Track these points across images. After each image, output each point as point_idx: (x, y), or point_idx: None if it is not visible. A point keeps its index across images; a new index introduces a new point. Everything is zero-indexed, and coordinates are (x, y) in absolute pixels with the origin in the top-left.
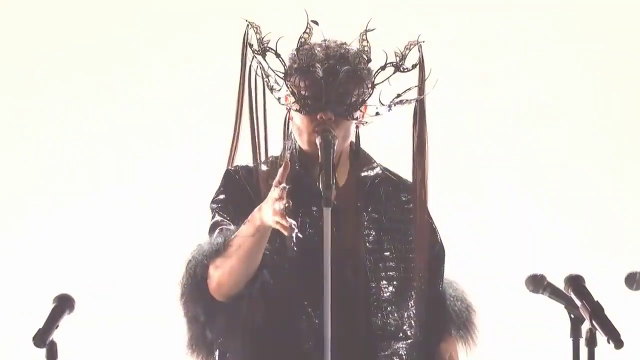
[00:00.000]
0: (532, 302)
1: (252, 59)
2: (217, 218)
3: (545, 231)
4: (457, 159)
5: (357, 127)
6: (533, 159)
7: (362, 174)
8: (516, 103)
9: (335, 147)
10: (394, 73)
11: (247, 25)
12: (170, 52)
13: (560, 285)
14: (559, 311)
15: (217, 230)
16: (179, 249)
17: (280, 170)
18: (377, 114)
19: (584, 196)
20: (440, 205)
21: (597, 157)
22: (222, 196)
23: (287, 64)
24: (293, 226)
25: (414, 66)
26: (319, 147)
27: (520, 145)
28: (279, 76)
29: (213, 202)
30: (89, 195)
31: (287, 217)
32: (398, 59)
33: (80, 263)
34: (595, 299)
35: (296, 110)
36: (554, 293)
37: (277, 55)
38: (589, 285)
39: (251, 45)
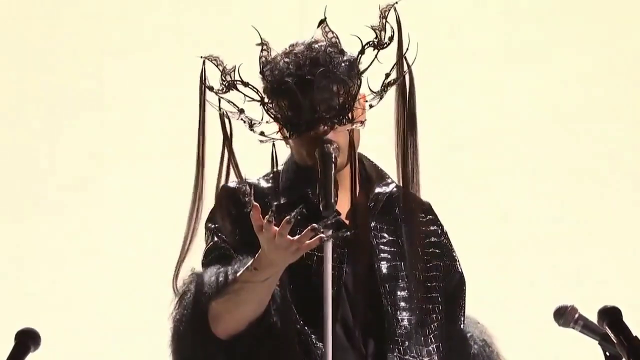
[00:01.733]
0: (561, 337)
1: (219, 102)
2: (215, 240)
3: (577, 257)
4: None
5: (351, 132)
6: (565, 184)
7: (376, 191)
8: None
9: (337, 161)
10: (376, 55)
11: (203, 62)
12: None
13: (594, 318)
14: (593, 348)
15: (214, 259)
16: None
17: (258, 218)
18: (371, 106)
19: (618, 219)
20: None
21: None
22: (218, 214)
23: (262, 86)
24: (315, 235)
25: (391, 37)
26: (318, 161)
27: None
28: (256, 100)
29: (208, 220)
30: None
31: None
32: (376, 34)
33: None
34: (634, 335)
35: (286, 137)
36: (587, 327)
37: (245, 84)
38: (627, 318)
39: (211, 88)
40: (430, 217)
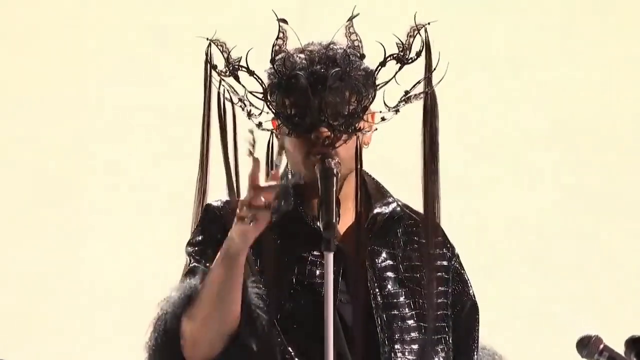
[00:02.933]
0: None
1: (220, 83)
2: (193, 264)
3: (600, 280)
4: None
5: (359, 147)
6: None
7: (375, 211)
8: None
9: (338, 176)
10: (399, 69)
11: (209, 44)
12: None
13: (621, 349)
14: None
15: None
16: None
17: (252, 168)
18: (383, 119)
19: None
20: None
21: None
22: (199, 237)
23: (266, 81)
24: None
25: (418, 53)
26: (318, 176)
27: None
28: (257, 97)
29: (189, 244)
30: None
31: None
32: (400, 49)
33: None
34: None
35: (285, 134)
36: (613, 359)
37: (251, 73)
38: None
39: (215, 67)
40: (439, 238)
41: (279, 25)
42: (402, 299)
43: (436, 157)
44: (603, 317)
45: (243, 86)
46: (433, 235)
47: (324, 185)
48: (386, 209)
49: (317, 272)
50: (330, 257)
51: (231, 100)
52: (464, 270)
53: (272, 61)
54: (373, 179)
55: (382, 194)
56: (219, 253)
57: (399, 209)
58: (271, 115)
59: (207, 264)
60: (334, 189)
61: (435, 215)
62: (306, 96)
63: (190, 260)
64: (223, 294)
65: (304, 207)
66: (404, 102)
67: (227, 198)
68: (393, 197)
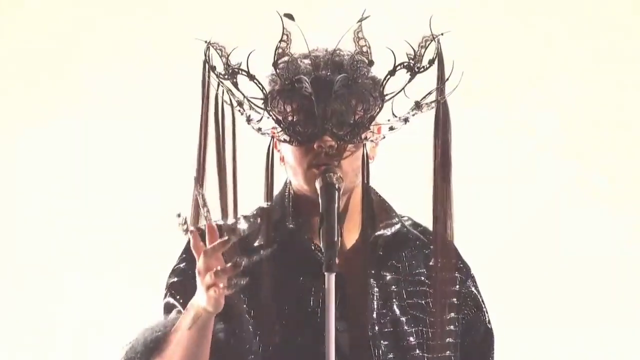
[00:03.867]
0: None
1: (218, 86)
2: (168, 300)
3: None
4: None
5: (365, 159)
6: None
7: (377, 233)
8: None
9: (341, 192)
10: (410, 80)
11: (207, 46)
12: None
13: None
14: None
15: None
16: None
17: (208, 237)
18: (391, 128)
19: None
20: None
21: None
22: (182, 264)
23: (267, 87)
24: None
25: (431, 62)
26: (319, 192)
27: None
28: (256, 105)
29: (172, 271)
30: None
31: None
32: (411, 59)
33: None
34: None
35: (285, 141)
36: None
37: (251, 77)
38: None
39: (214, 68)
40: (452, 261)
41: (283, 27)
42: (405, 327)
43: (448, 173)
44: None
45: (241, 92)
46: (443, 258)
47: (325, 201)
48: (389, 231)
49: (312, 299)
50: (331, 278)
51: (230, 104)
52: (479, 293)
53: (275, 64)
54: (379, 195)
55: (386, 213)
56: (185, 315)
57: (405, 230)
58: (272, 123)
59: (182, 301)
60: (336, 205)
61: (446, 236)
62: (310, 102)
63: (166, 293)
64: (192, 352)
65: (303, 225)
66: (414, 111)
67: (221, 218)
68: (399, 217)
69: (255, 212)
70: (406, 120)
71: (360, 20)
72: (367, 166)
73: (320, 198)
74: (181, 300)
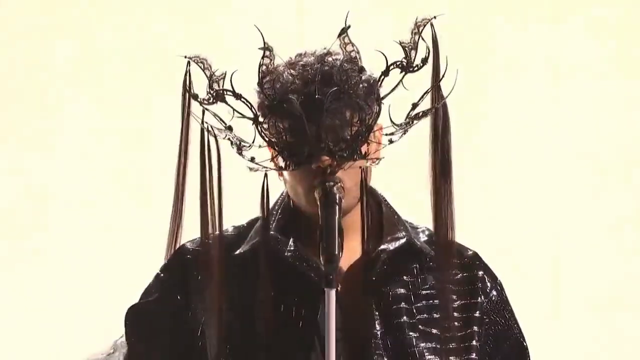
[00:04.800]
0: None
1: (203, 113)
2: (123, 339)
3: None
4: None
5: (365, 170)
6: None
7: (381, 247)
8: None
9: (341, 203)
10: (403, 77)
11: (188, 62)
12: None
13: None
14: None
15: None
16: None
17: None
18: (391, 141)
19: None
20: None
21: None
22: (150, 298)
23: (256, 100)
24: None
25: (424, 60)
26: (318, 202)
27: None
28: (250, 119)
29: (135, 309)
30: None
31: None
32: (408, 51)
33: None
34: None
35: (281, 168)
36: None
37: (238, 97)
38: None
39: (196, 96)
40: (467, 273)
41: (264, 41)
42: (419, 345)
43: (449, 178)
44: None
45: (234, 109)
46: (448, 269)
47: (325, 213)
48: (392, 245)
49: (293, 311)
50: (332, 294)
51: (214, 134)
52: (503, 304)
53: (260, 84)
54: (390, 207)
55: (393, 225)
56: None
57: (413, 242)
58: (264, 149)
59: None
60: (337, 216)
61: (448, 248)
62: (300, 122)
63: (126, 331)
64: None
65: (304, 249)
66: (411, 121)
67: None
68: (407, 230)
69: (246, 222)
70: (406, 129)
71: (343, 31)
72: (366, 183)
73: (319, 209)
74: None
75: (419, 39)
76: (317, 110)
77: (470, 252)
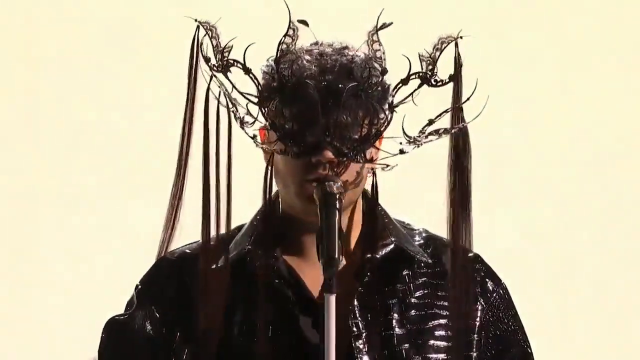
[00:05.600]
0: None
1: (211, 79)
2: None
3: None
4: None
5: (371, 172)
6: None
7: (368, 255)
8: None
9: (342, 203)
10: (418, 87)
11: (197, 26)
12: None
13: None
14: None
15: None
16: None
17: None
18: (402, 151)
19: None
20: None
21: None
22: (128, 312)
23: (261, 81)
24: None
25: (452, 77)
26: (317, 203)
27: None
28: (251, 100)
29: (112, 323)
30: None
31: None
32: (425, 65)
33: None
34: None
35: (280, 152)
36: None
37: (247, 71)
38: None
39: (207, 59)
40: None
41: (290, 19)
42: (411, 355)
43: (468, 204)
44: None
45: (233, 85)
46: (464, 296)
47: (324, 213)
48: (381, 252)
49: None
50: (331, 300)
51: (227, 104)
52: (511, 308)
53: (277, 61)
54: (381, 210)
55: (384, 231)
56: None
57: (407, 248)
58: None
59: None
60: (337, 217)
61: (467, 279)
62: (312, 111)
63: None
64: None
65: (284, 264)
66: (426, 136)
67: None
68: (400, 234)
69: (229, 231)
70: (418, 143)
71: (382, 28)
72: (376, 191)
73: (319, 210)
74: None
75: (439, 56)
76: (331, 101)
77: (471, 255)
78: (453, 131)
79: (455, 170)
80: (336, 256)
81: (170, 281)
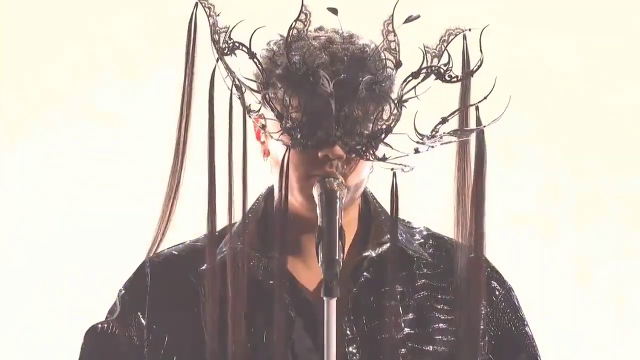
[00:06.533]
0: None
1: (217, 62)
2: None
3: None
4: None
5: (395, 187)
6: None
7: (364, 253)
8: None
9: (342, 202)
10: (423, 79)
11: (195, 4)
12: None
13: None
14: None
15: None
16: None
17: None
18: (417, 151)
19: None
20: None
21: None
22: (110, 318)
23: (264, 66)
24: None
25: (471, 72)
26: (317, 201)
27: None
28: (253, 89)
29: (93, 332)
30: None
31: None
32: (431, 58)
33: None
34: None
35: (286, 143)
36: None
37: (252, 56)
38: None
39: (216, 41)
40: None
41: (303, 5)
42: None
43: (481, 214)
44: None
45: (231, 72)
46: (477, 306)
47: (324, 212)
48: (376, 251)
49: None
50: (332, 305)
51: (237, 86)
52: (517, 311)
53: (288, 47)
54: (378, 207)
55: (380, 229)
56: None
57: (406, 247)
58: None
59: None
60: (337, 216)
61: (479, 293)
62: (323, 103)
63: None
64: None
65: (282, 265)
66: (442, 137)
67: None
68: (396, 233)
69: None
70: (433, 143)
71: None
72: (396, 195)
73: (318, 208)
74: None
75: (445, 49)
76: (348, 95)
77: (473, 255)
78: (472, 132)
79: (460, 170)
80: (337, 257)
81: (158, 284)
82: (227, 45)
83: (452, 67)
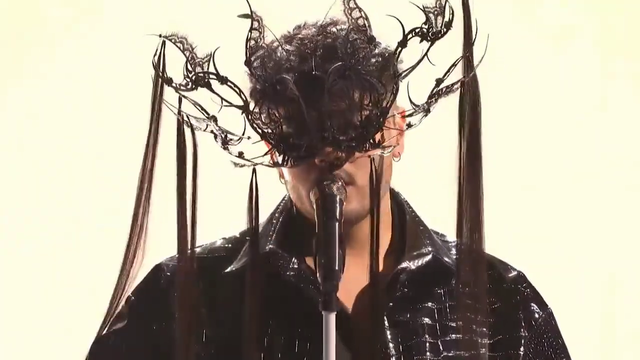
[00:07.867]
0: None
1: (180, 100)
2: None
3: None
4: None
5: (381, 161)
6: None
7: (401, 265)
8: None
9: (343, 205)
10: (429, 47)
11: (162, 42)
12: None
13: None
14: None
15: None
16: None
17: None
18: (409, 125)
19: None
20: None
21: None
22: (119, 326)
23: (247, 85)
24: None
25: (448, 24)
26: (314, 206)
27: None
28: (236, 106)
29: (103, 335)
30: None
31: None
32: (428, 17)
33: None
34: None
35: (276, 164)
36: None
37: (223, 81)
38: None
39: (170, 81)
40: (508, 302)
41: (251, 12)
42: None
43: (478, 171)
44: None
45: (221, 97)
46: (472, 281)
47: (322, 218)
48: (415, 263)
49: (296, 344)
50: (330, 319)
51: (191, 125)
52: (558, 337)
53: (248, 62)
54: (414, 215)
55: (417, 237)
56: None
57: (442, 261)
58: (258, 145)
59: None
60: (337, 222)
61: (477, 261)
62: (298, 108)
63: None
64: None
65: (310, 268)
66: (436, 97)
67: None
68: (436, 244)
69: (239, 233)
70: (427, 109)
71: None
72: (377, 182)
73: (316, 214)
74: None
75: (446, 2)
76: (317, 92)
77: (513, 274)
78: (461, 82)
79: (462, 131)
80: (336, 268)
81: (172, 291)
82: (190, 79)
83: (434, 24)
